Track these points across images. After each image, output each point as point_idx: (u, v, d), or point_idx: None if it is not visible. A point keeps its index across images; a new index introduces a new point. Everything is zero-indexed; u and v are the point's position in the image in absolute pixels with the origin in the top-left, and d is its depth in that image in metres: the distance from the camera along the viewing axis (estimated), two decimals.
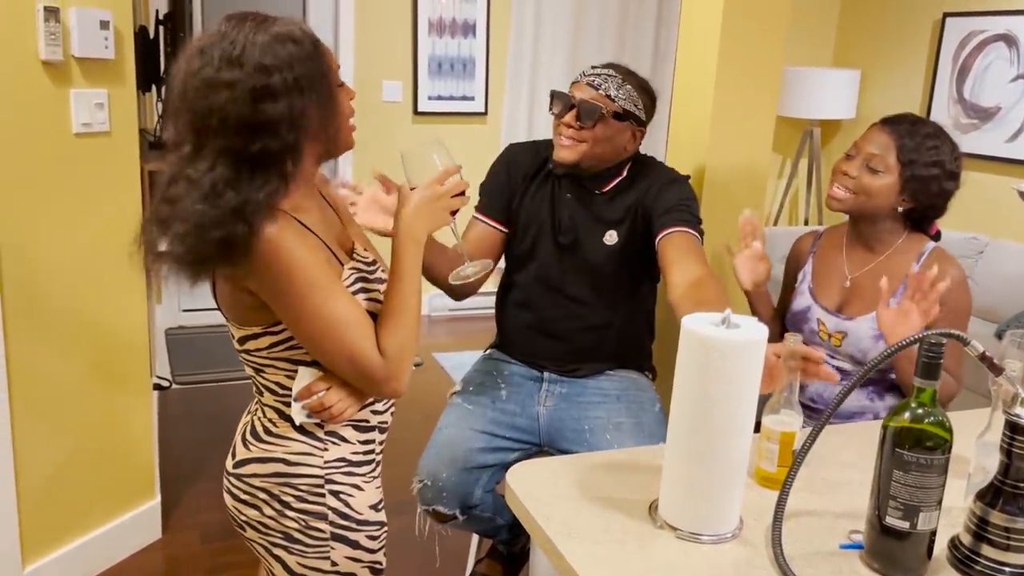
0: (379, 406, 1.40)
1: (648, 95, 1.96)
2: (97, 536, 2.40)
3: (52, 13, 2.04)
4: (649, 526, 1.18)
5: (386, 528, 1.41)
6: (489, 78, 4.93)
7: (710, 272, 1.70)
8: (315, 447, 1.33)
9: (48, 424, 2.22)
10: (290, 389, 1.31)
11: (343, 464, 1.35)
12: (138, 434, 2.49)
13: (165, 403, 3.60)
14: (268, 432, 1.34)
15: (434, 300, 4.94)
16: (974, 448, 1.26)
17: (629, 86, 1.91)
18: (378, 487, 1.42)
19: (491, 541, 2.23)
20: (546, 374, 2.04)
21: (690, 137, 2.26)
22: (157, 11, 2.98)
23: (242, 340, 1.32)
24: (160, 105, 2.73)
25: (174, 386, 3.81)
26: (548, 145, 2.02)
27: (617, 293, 2.00)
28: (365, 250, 1.41)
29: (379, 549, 1.39)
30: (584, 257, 1.98)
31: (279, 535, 1.34)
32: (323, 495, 1.33)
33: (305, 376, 1.30)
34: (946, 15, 4.41)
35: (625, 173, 1.99)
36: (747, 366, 1.10)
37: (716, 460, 1.12)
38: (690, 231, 1.81)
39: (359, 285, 1.34)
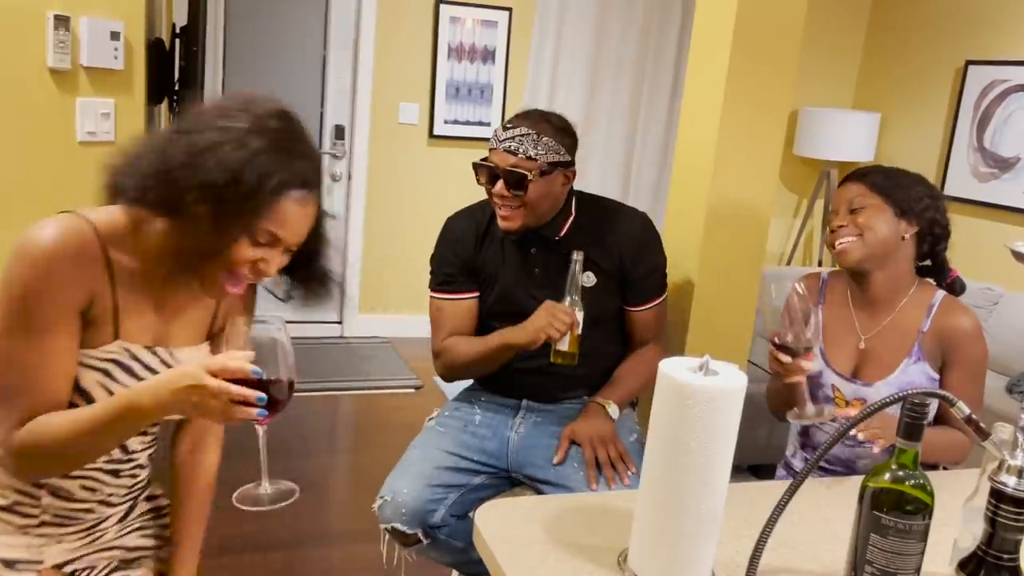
0: None
1: (568, 134, 1.91)
2: None
3: (62, 22, 2.05)
4: None
5: None
6: (506, 105, 4.94)
7: (658, 344, 2.04)
8: None
9: None
10: None
11: None
12: None
13: None
14: None
15: None
16: (961, 512, 1.21)
17: (546, 138, 1.84)
18: None
19: None
20: (524, 402, 2.03)
21: (694, 170, 2.24)
22: (175, 24, 3.00)
23: None
24: (171, 116, 2.73)
25: None
26: (484, 206, 2.00)
27: (596, 323, 1.94)
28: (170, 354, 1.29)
29: None
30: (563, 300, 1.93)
31: None
32: None
33: None
34: (969, 63, 4.37)
35: (573, 211, 1.98)
36: (724, 415, 1.06)
37: (688, 511, 1.08)
38: (658, 301, 2.03)
39: (109, 367, 1.22)
